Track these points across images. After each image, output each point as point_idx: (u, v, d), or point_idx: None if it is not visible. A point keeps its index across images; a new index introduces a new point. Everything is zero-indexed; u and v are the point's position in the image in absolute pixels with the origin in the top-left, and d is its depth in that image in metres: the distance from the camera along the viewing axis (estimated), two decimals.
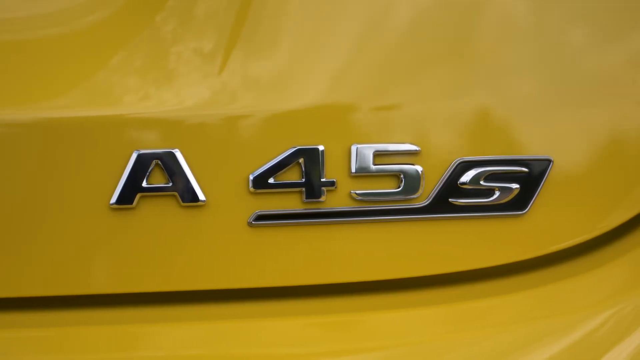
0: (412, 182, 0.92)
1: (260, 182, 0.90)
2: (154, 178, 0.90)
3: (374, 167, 0.92)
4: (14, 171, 0.88)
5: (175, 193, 0.90)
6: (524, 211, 0.94)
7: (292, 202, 0.92)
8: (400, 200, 0.93)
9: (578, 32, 0.92)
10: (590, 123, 0.93)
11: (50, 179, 0.89)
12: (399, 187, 0.93)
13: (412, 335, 0.93)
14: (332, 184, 0.91)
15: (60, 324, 0.93)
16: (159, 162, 0.89)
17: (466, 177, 0.93)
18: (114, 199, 0.89)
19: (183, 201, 0.90)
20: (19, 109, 0.87)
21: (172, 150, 0.89)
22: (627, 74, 0.93)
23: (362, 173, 0.91)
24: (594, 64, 0.92)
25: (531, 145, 0.93)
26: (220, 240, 0.92)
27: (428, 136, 0.92)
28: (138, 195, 0.89)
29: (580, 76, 0.92)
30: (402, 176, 0.92)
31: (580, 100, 0.92)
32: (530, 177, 0.93)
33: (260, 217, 0.92)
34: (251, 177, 0.90)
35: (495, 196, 0.94)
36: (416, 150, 0.92)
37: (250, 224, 0.91)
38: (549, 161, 0.93)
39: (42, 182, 0.89)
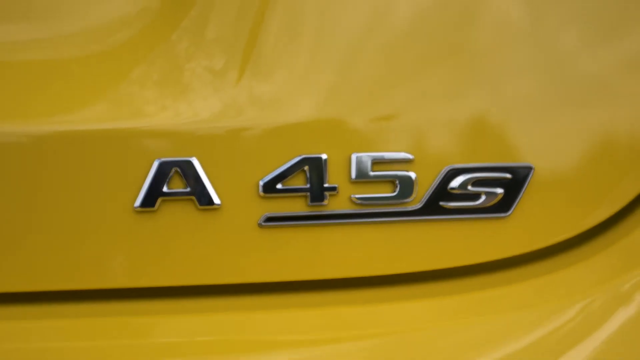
0: (406, 187, 0.99)
1: (269, 187, 0.97)
2: (174, 183, 0.97)
3: (372, 174, 0.98)
4: (50, 178, 0.95)
5: (193, 197, 0.97)
6: (507, 213, 1.01)
7: (298, 206, 0.98)
8: (395, 203, 0.99)
9: (562, 41, 0.98)
10: (568, 131, 0.99)
11: (82, 184, 0.96)
12: (394, 192, 0.99)
13: (405, 324, 0.99)
14: (334, 189, 0.98)
15: (86, 315, 1.00)
16: (178, 169, 0.96)
17: (455, 182, 0.99)
18: (137, 203, 0.96)
19: (200, 204, 0.97)
20: (53, 122, 0.94)
21: (190, 159, 0.96)
22: (602, 83, 0.99)
23: (361, 179, 0.98)
24: (572, 73, 0.98)
25: (515, 153, 0.99)
26: (233, 240, 0.99)
27: (421, 145, 0.98)
28: (159, 199, 0.96)
29: (557, 88, 0.98)
30: (397, 182, 0.99)
31: (558, 111, 0.98)
32: (514, 182, 0.99)
33: (269, 219, 0.99)
34: (261, 183, 0.97)
35: (481, 200, 1.00)
36: (410, 158, 0.98)
37: (260, 225, 0.98)
38: (530, 168, 0.99)
39: (74, 188, 0.95)
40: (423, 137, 0.98)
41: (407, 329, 0.99)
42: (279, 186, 0.97)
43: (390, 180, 0.99)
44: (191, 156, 0.96)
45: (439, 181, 0.99)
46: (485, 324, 0.99)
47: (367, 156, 0.97)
